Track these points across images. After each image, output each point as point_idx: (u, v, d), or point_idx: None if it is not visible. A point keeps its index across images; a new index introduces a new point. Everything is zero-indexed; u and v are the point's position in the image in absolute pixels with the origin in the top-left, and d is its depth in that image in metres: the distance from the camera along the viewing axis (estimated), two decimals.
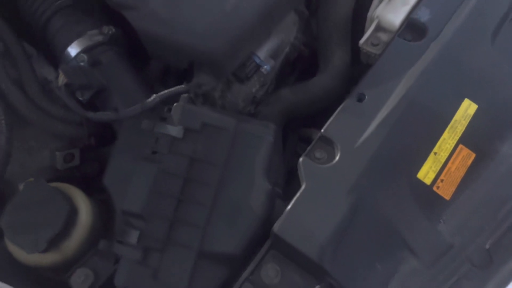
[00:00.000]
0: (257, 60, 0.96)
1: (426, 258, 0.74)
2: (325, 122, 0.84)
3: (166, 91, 0.82)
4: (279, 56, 1.03)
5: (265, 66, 0.96)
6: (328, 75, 0.99)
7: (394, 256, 0.74)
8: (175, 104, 0.81)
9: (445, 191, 0.78)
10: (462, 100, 0.83)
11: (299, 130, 1.10)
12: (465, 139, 0.80)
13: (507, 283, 0.69)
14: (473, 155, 0.80)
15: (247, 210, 0.78)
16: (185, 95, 0.82)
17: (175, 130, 0.79)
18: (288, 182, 0.93)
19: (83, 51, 0.84)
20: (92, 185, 0.86)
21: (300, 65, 1.17)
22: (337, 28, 1.00)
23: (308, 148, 0.81)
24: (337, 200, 0.76)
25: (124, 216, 0.76)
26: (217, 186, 0.79)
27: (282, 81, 1.12)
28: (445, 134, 0.81)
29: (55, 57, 0.89)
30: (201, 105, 0.88)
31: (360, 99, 0.83)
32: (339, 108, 0.83)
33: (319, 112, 1.04)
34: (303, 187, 0.77)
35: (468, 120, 0.81)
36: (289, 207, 0.76)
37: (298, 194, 0.76)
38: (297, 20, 1.02)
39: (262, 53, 0.98)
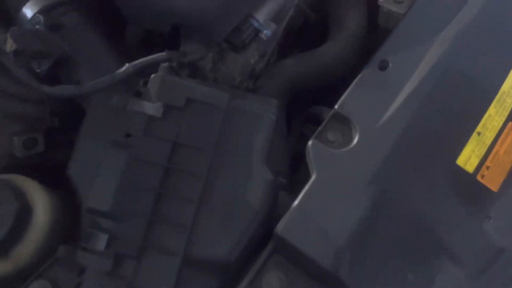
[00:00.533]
0: (256, 24, 0.77)
1: (471, 266, 0.56)
2: (337, 98, 0.68)
3: (141, 59, 0.63)
4: (282, 20, 0.85)
5: (265, 31, 0.77)
6: (340, 41, 0.80)
7: (430, 263, 0.56)
8: (152, 76, 0.62)
9: (492, 180, 0.60)
10: (511, 67, 0.63)
11: (306, 109, 0.91)
12: None
13: None
14: None
15: (243, 205, 0.62)
16: (166, 64, 0.63)
17: (152, 108, 0.62)
18: (293, 170, 0.76)
19: (40, 11, 0.65)
20: (61, 176, 0.68)
21: (306, 33, 0.97)
22: None
23: (319, 128, 0.63)
24: (356, 193, 0.59)
25: (89, 215, 0.58)
26: (206, 176, 0.63)
27: (285, 53, 0.92)
28: (491, 110, 0.62)
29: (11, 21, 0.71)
30: (186, 77, 0.69)
31: (383, 67, 0.65)
32: (356, 79, 0.65)
33: (330, 87, 0.85)
34: (313, 177, 0.59)
35: None
36: (296, 202, 0.58)
37: (307, 186, 0.59)
38: None
39: (261, 16, 0.79)
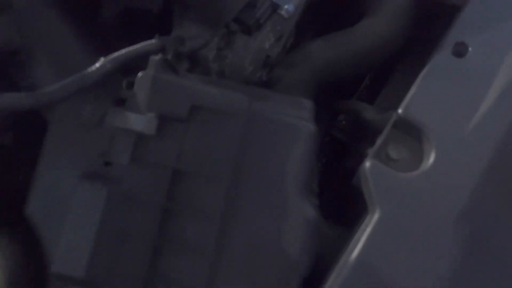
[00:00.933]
0: None
1: None
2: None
3: (123, 50, 0.41)
4: None
5: (286, 6, 0.56)
6: (383, 15, 0.59)
7: None
8: (140, 74, 0.44)
9: None
10: None
11: (334, 102, 0.70)
12: None
13: None
14: None
15: (276, 256, 0.45)
16: (158, 56, 0.41)
17: (142, 122, 0.44)
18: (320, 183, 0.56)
19: None
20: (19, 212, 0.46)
21: (324, 10, 0.75)
22: None
23: (378, 142, 0.43)
24: (442, 235, 0.39)
25: (57, 282, 0.36)
26: (221, 217, 0.44)
27: (302, 34, 0.71)
28: None
29: None
30: (186, 74, 0.47)
31: (460, 52, 0.46)
32: (424, 71, 0.45)
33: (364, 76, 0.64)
34: (376, 215, 0.39)
35: None
36: (354, 253, 0.39)
37: (369, 228, 0.38)
38: None
39: None
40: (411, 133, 0.46)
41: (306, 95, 0.63)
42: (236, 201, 0.44)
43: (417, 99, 0.46)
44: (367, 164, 0.44)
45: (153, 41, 0.49)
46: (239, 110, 0.45)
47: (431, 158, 0.44)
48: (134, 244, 0.41)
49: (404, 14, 0.64)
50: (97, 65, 0.45)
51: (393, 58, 0.59)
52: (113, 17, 0.59)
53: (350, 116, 0.66)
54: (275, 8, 0.62)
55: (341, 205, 0.55)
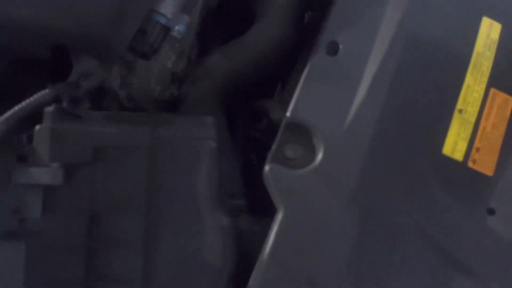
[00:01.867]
0: (163, 20, 0.57)
1: (486, 274, 0.44)
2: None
3: (15, 108, 0.42)
4: (194, 7, 0.64)
5: (177, 27, 0.58)
6: (271, 19, 0.62)
7: (437, 280, 0.43)
8: (36, 128, 0.42)
9: (485, 163, 0.47)
10: (480, 20, 0.49)
11: (249, 104, 0.72)
12: (496, 79, 0.50)
13: None
14: None
15: (200, 269, 0.46)
16: (52, 107, 0.42)
17: (47, 174, 0.43)
18: (245, 183, 0.61)
19: None
20: None
21: (228, 15, 0.77)
22: None
23: (273, 146, 0.46)
24: (337, 220, 0.44)
25: None
26: (145, 246, 0.46)
27: (207, 43, 0.73)
28: (468, 79, 0.48)
29: None
30: (89, 113, 0.49)
31: (332, 50, 0.49)
32: (304, 73, 0.49)
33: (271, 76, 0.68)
34: (281, 213, 0.43)
35: (494, 49, 0.49)
36: (267, 251, 0.43)
37: (275, 227, 0.43)
38: None
39: (168, 8, 0.60)
40: (302, 132, 0.50)
41: (212, 108, 0.66)
42: (155, 227, 0.47)
43: (301, 101, 0.50)
44: (266, 167, 0.48)
45: (46, 91, 0.50)
46: (142, 142, 0.47)
47: (321, 152, 0.48)
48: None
49: (291, 15, 0.68)
50: None
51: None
52: (5, 68, 0.58)
53: (261, 115, 0.69)
54: (167, 30, 0.64)
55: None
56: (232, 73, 0.65)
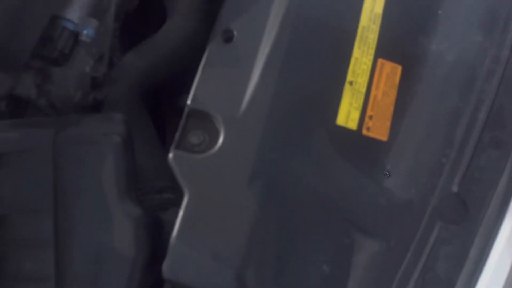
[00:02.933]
0: (70, 26, 0.58)
1: (384, 233, 0.47)
2: None
3: None
4: (106, 10, 0.65)
5: (85, 31, 0.58)
6: (180, 16, 0.64)
7: (342, 245, 0.46)
8: None
9: (379, 130, 0.50)
10: None
11: (177, 100, 0.74)
12: (383, 50, 0.52)
13: (497, 231, 0.43)
14: (399, 68, 0.51)
15: (114, 259, 0.45)
16: None
17: None
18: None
19: None
20: None
21: (152, 15, 0.78)
22: None
23: (177, 134, 0.47)
24: (240, 199, 0.46)
25: None
26: (55, 241, 0.44)
27: (135, 42, 0.74)
28: (356, 52, 0.51)
29: None
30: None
31: (228, 38, 0.51)
32: (202, 61, 0.49)
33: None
34: (186, 197, 0.45)
35: (379, 23, 0.52)
36: (174, 234, 0.45)
37: (181, 211, 0.44)
38: None
39: (75, 13, 0.60)
40: (205, 118, 0.52)
41: (131, 107, 0.67)
42: (65, 224, 0.48)
43: (200, 89, 0.51)
44: (170, 155, 0.49)
45: None
46: (44, 144, 0.48)
47: (221, 136, 0.50)
48: None
49: (197, 9, 0.69)
50: None
51: None
52: None
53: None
54: (75, 35, 0.65)
55: None
56: (146, 71, 0.66)
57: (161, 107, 0.77)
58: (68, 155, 0.48)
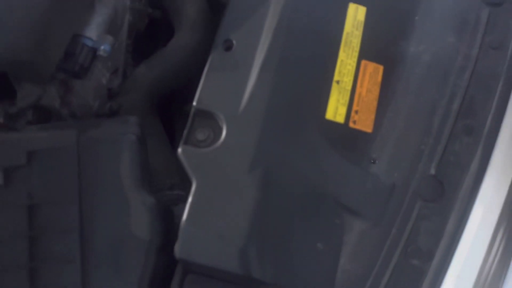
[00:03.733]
0: (89, 43, 0.66)
1: (370, 213, 0.52)
2: None
3: None
4: (119, 28, 0.73)
5: (102, 47, 0.66)
6: (185, 31, 0.71)
7: (333, 225, 0.52)
8: None
9: (364, 123, 0.56)
10: (347, 6, 0.59)
11: (185, 106, 0.81)
12: (366, 52, 0.58)
13: (470, 208, 0.49)
14: (381, 68, 0.58)
15: (132, 242, 0.52)
16: None
17: None
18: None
19: None
20: None
21: (159, 32, 0.87)
22: None
23: (185, 132, 0.54)
24: (241, 185, 0.53)
25: None
26: (80, 229, 0.51)
27: (145, 58, 0.82)
28: (341, 54, 0.58)
29: None
30: (25, 126, 0.57)
31: (228, 47, 0.58)
32: (206, 68, 0.56)
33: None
34: (194, 185, 0.52)
35: (361, 29, 0.59)
36: (184, 217, 0.51)
37: (190, 197, 0.51)
38: None
39: (93, 32, 0.68)
40: (209, 117, 0.59)
41: (143, 114, 0.74)
42: (89, 212, 0.55)
43: (205, 91, 0.59)
44: (179, 150, 0.56)
45: None
46: (70, 142, 0.56)
47: (224, 132, 0.57)
48: (10, 275, 0.51)
49: (203, 23, 0.77)
50: None
51: None
52: None
53: None
54: (94, 51, 0.73)
55: None
56: (157, 81, 0.74)
57: (171, 112, 0.85)
58: (90, 153, 0.55)
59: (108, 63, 0.74)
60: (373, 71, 0.59)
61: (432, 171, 0.54)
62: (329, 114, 0.57)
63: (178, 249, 0.50)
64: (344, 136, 0.56)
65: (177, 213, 0.60)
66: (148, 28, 0.85)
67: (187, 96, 0.79)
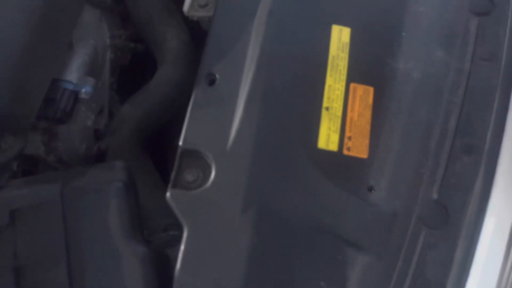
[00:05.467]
0: (70, 86, 0.64)
1: (373, 245, 0.49)
2: None
3: None
4: (101, 67, 0.71)
5: (84, 89, 0.64)
6: (168, 65, 0.69)
7: (335, 261, 0.49)
8: None
9: (359, 148, 0.53)
10: (330, 28, 0.57)
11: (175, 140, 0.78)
12: (354, 75, 0.56)
13: (478, 232, 0.45)
14: (371, 89, 0.55)
15: None
16: None
17: None
18: None
19: None
20: None
21: (148, 65, 0.84)
22: (153, 3, 0.70)
23: (173, 173, 0.51)
24: (235, 227, 0.50)
25: None
26: (71, 286, 0.47)
27: (131, 93, 0.79)
28: (329, 79, 0.55)
29: None
30: (8, 181, 0.54)
31: (211, 81, 0.55)
32: (190, 105, 0.54)
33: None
34: (185, 232, 0.48)
35: (347, 50, 0.56)
36: (177, 267, 0.48)
37: (182, 245, 0.47)
38: (101, 15, 0.69)
39: (73, 74, 0.66)
40: (197, 156, 0.56)
41: (132, 153, 0.71)
42: (78, 268, 0.52)
43: (190, 130, 0.56)
44: (167, 194, 0.53)
45: None
46: (53, 196, 0.53)
47: (213, 171, 0.54)
48: None
49: (186, 56, 0.75)
50: None
51: None
52: None
53: None
54: (75, 94, 0.71)
55: None
56: (143, 119, 0.72)
57: (163, 147, 0.82)
58: (75, 205, 0.52)
59: (92, 104, 0.72)
60: (363, 94, 0.56)
61: (435, 196, 0.50)
62: (321, 143, 0.54)
63: None
64: (339, 165, 0.53)
65: (173, 255, 0.57)
66: (133, 61, 0.83)
67: (176, 130, 0.77)
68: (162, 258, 0.54)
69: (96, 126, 0.72)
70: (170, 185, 0.53)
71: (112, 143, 0.69)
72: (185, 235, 0.49)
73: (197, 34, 0.73)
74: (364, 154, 0.54)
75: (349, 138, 0.54)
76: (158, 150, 0.79)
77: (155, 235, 0.65)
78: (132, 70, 0.84)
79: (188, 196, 0.51)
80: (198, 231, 0.49)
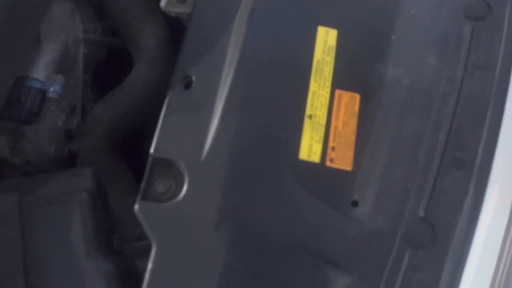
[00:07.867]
0: (37, 85, 0.58)
1: (354, 265, 0.46)
2: None
3: None
4: (73, 63, 0.66)
5: (52, 88, 0.59)
6: (144, 63, 0.64)
7: (314, 281, 0.46)
8: None
9: (342, 160, 0.49)
10: (316, 30, 0.52)
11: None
12: (340, 81, 0.52)
13: (466, 254, 0.42)
14: (358, 96, 0.51)
15: None
16: None
17: None
18: None
19: None
20: None
21: (121, 61, 0.79)
22: None
23: (143, 184, 0.47)
24: (209, 244, 0.46)
25: None
26: None
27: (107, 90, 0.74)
28: (312, 85, 0.51)
29: None
30: None
31: (187, 84, 0.51)
32: (163, 109, 0.49)
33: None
34: (153, 249, 0.44)
35: (333, 54, 0.52)
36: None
37: (150, 264, 0.43)
38: (73, 7, 0.64)
39: (41, 72, 0.61)
40: (169, 165, 0.51)
41: (105, 157, 0.66)
42: (37, 286, 0.47)
43: (162, 137, 0.51)
44: (136, 206, 0.49)
45: None
46: (10, 207, 0.48)
47: (186, 182, 0.50)
48: None
49: (162, 57, 0.70)
50: None
51: None
52: None
53: None
54: (42, 93, 0.65)
55: None
56: (116, 120, 0.66)
57: (139, 151, 0.77)
58: (35, 217, 0.47)
59: (63, 103, 0.67)
60: (349, 101, 0.52)
61: (421, 213, 0.47)
62: (303, 154, 0.50)
63: None
64: (321, 177, 0.49)
65: (144, 267, 0.53)
66: (111, 57, 0.78)
67: (152, 133, 0.72)
68: (131, 272, 0.49)
69: (67, 127, 0.67)
70: (139, 197, 0.48)
71: (84, 145, 0.64)
72: (153, 252, 0.45)
73: (177, 32, 0.68)
74: (348, 166, 0.50)
75: (333, 148, 0.50)
76: (136, 153, 0.74)
77: (126, 245, 0.61)
78: (109, 66, 0.79)
79: (158, 209, 0.47)
80: (167, 248, 0.45)
